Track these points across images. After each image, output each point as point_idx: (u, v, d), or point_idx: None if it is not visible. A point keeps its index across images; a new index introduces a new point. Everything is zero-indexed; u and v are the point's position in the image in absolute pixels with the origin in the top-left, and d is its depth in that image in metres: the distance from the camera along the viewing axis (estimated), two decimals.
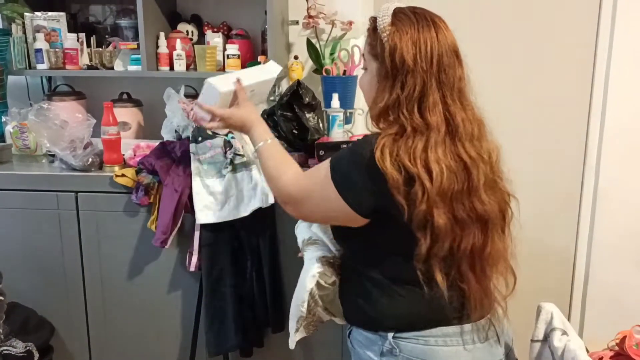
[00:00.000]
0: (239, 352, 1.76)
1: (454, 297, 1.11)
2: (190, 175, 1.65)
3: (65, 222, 1.76)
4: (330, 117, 1.83)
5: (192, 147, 1.68)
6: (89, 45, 2.05)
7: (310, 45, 2.01)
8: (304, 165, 1.76)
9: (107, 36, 2.13)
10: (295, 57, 2.04)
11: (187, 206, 1.66)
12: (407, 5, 1.16)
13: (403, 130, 1.07)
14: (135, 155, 1.79)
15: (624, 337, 1.51)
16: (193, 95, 1.98)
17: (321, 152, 1.67)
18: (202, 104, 1.33)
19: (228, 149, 1.68)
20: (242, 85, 1.33)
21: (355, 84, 1.88)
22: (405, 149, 1.05)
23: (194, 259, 1.68)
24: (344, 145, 1.62)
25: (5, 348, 1.56)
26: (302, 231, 1.39)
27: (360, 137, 1.17)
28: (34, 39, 2.00)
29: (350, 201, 1.09)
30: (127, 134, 2.05)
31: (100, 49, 2.02)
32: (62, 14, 2.05)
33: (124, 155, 1.80)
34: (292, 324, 1.30)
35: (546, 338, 1.35)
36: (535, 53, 2.13)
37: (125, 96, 2.11)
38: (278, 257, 1.72)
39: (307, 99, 1.83)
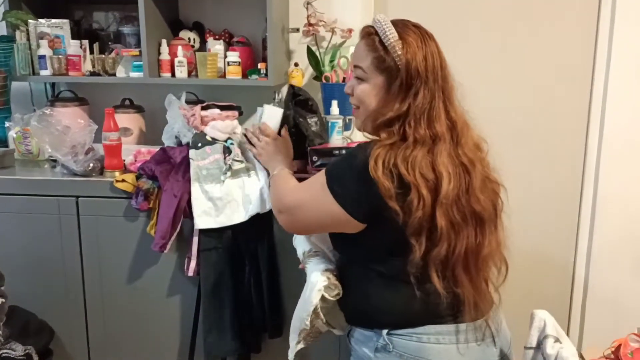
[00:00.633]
0: (237, 357, 1.77)
1: (449, 296, 1.12)
2: (189, 180, 1.67)
3: (66, 227, 1.78)
4: (330, 124, 1.85)
5: (192, 153, 1.70)
6: (91, 52, 2.08)
7: (310, 53, 2.03)
8: (303, 171, 1.78)
9: (109, 43, 2.16)
10: (296, 64, 2.06)
11: (186, 211, 1.67)
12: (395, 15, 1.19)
13: (403, 140, 1.10)
14: (135, 160, 1.81)
15: (619, 345, 1.52)
16: (194, 102, 2.01)
17: (314, 158, 1.68)
18: (267, 124, 1.52)
19: (227, 155, 1.69)
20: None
21: None
22: (403, 158, 1.08)
23: (193, 264, 1.69)
24: (336, 152, 1.65)
25: (5, 351, 1.57)
26: (301, 242, 1.40)
27: (356, 144, 1.19)
28: (38, 46, 2.03)
29: (347, 207, 1.12)
30: (129, 139, 2.07)
31: (103, 56, 2.05)
32: (66, 21, 2.07)
33: (124, 160, 1.82)
34: (293, 337, 1.31)
35: (539, 345, 1.35)
36: (534, 58, 2.14)
37: (127, 102, 2.13)
38: (276, 263, 1.73)
39: (305, 96, 1.83)
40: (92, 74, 2.07)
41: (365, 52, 1.17)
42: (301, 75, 2.04)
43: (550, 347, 1.32)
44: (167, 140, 1.89)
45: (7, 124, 2.02)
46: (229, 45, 2.07)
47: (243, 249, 1.70)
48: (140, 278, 1.79)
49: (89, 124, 1.83)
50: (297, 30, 2.07)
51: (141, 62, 1.97)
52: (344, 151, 1.59)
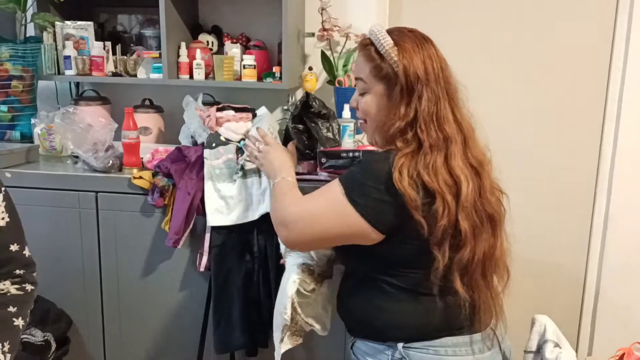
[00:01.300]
0: (245, 351, 1.82)
1: (467, 306, 1.13)
2: (202, 179, 1.72)
3: (86, 221, 1.84)
4: (341, 127, 1.88)
5: (206, 152, 1.75)
6: (114, 53, 2.15)
7: (324, 57, 2.07)
8: (313, 172, 1.82)
9: (131, 45, 2.23)
10: (310, 69, 2.10)
11: (199, 209, 1.72)
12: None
13: (420, 147, 1.10)
14: (153, 158, 1.86)
15: (623, 354, 1.53)
16: (210, 103, 2.07)
17: (323, 160, 1.72)
18: (262, 130, 1.48)
19: (240, 155, 1.74)
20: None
21: None
22: (424, 165, 1.07)
23: (204, 259, 1.74)
24: (344, 154, 1.67)
25: (25, 336, 1.64)
26: None
27: (371, 152, 1.17)
28: (64, 47, 2.10)
29: (369, 218, 1.09)
30: (148, 138, 2.13)
31: (125, 57, 2.12)
32: (90, 23, 2.15)
33: (142, 158, 1.88)
34: (276, 335, 1.30)
35: (539, 350, 1.37)
36: (548, 70, 2.14)
37: (147, 102, 2.20)
38: None
39: (318, 109, 1.88)
40: (114, 74, 2.14)
41: (364, 63, 1.18)
42: (315, 79, 2.08)
43: (549, 352, 1.34)
44: (184, 140, 1.95)
45: (33, 120, 2.10)
46: (245, 49, 2.13)
47: (253, 246, 1.74)
48: (154, 272, 1.84)
49: (110, 123, 1.89)
50: (312, 35, 2.11)
51: (161, 64, 2.03)
52: (352, 154, 1.57)
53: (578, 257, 2.25)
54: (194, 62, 2.04)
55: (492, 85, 2.15)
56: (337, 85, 2.03)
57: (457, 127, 1.13)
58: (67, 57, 2.09)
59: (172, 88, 2.16)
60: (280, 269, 1.76)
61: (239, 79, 2.04)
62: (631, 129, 2.09)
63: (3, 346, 1.25)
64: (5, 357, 1.25)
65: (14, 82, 2.07)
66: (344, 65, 2.07)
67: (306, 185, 1.74)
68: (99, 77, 2.11)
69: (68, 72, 2.11)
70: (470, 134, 1.15)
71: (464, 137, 1.14)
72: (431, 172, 1.06)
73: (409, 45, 1.13)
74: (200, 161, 1.75)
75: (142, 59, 2.12)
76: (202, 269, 1.75)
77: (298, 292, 1.22)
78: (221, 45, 2.18)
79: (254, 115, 1.89)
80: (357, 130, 1.99)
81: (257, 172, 1.72)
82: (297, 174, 1.79)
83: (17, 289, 1.34)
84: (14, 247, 1.32)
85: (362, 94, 1.20)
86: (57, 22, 2.10)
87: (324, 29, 2.04)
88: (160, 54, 2.04)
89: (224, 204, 1.71)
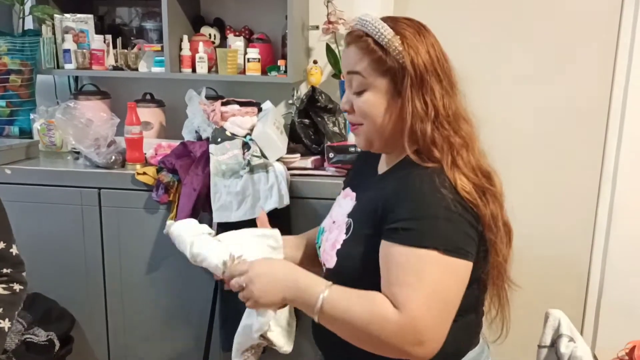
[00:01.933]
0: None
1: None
2: (208, 175, 1.69)
3: (88, 218, 1.81)
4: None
5: (212, 147, 1.73)
6: (114, 47, 2.12)
7: (329, 51, 2.04)
8: (320, 168, 1.80)
9: (132, 38, 2.19)
10: (315, 62, 2.07)
11: (204, 205, 1.70)
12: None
13: (451, 149, 1.00)
14: (156, 154, 1.84)
15: (634, 347, 1.52)
16: (213, 97, 2.04)
17: (331, 155, 1.70)
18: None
19: (246, 150, 1.72)
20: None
21: None
22: (471, 169, 1.00)
23: None
24: (352, 149, 1.65)
25: (28, 336, 1.61)
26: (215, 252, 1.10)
27: (407, 185, 0.98)
28: (63, 40, 2.07)
29: (469, 257, 0.96)
30: (150, 133, 2.10)
31: (126, 51, 2.09)
32: (90, 16, 2.11)
33: (145, 154, 1.85)
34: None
35: (553, 344, 1.36)
36: (554, 66, 2.13)
37: (148, 96, 2.16)
38: None
39: (324, 103, 1.86)
40: (115, 68, 2.11)
41: (360, 56, 1.01)
42: (320, 73, 2.05)
43: (564, 346, 1.32)
44: (187, 135, 1.92)
45: (32, 116, 2.07)
46: (249, 42, 2.10)
47: None
48: (158, 269, 1.82)
49: (112, 117, 1.86)
50: (317, 27, 2.08)
51: (163, 58, 2.00)
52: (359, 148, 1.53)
53: (582, 251, 2.25)
54: (197, 56, 2.01)
55: (498, 81, 2.14)
56: (342, 79, 2.00)
57: (470, 121, 1.07)
58: (67, 51, 2.06)
59: (172, 82, 2.13)
60: None
61: (243, 72, 2.02)
62: (635, 125, 2.08)
63: None
64: None
65: (12, 77, 2.03)
66: None
67: (315, 181, 1.73)
68: (100, 71, 2.08)
69: (68, 66, 2.08)
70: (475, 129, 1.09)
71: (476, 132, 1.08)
72: (478, 175, 0.99)
73: (409, 33, 1.01)
74: (205, 156, 1.73)
75: (143, 52, 2.08)
76: None
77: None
78: (223, 38, 2.15)
79: (259, 110, 1.86)
80: None
81: (264, 167, 1.70)
82: (304, 169, 1.79)
83: (4, 289, 1.28)
84: None
85: (358, 93, 1.03)
86: (56, 15, 2.06)
87: (329, 22, 2.01)
88: (162, 47, 2.01)
89: (231, 200, 1.68)
